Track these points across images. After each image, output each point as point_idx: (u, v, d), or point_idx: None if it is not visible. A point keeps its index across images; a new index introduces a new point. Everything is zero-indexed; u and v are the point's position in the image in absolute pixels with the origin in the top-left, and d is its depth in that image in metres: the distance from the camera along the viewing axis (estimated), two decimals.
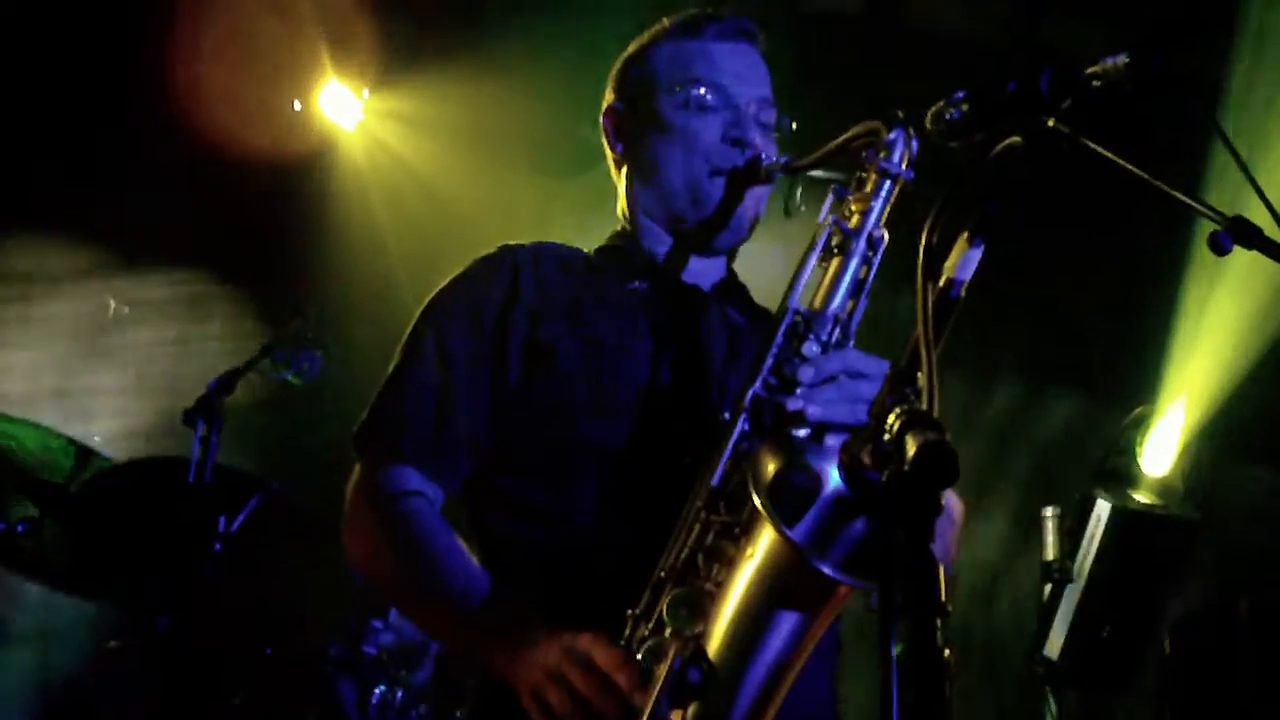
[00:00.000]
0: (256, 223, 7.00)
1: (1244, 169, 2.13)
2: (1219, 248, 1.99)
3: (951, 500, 2.45)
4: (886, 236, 2.37)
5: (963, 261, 1.83)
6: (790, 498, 1.98)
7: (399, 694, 5.23)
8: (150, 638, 4.80)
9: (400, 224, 7.13)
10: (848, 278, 2.34)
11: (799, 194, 2.79)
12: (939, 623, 1.46)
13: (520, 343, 2.55)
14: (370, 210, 7.23)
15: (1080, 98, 1.95)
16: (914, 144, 2.39)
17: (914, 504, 1.48)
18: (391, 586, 2.52)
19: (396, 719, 5.19)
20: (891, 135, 2.39)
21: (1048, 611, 5.27)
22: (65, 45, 6.50)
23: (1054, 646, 5.24)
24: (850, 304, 2.34)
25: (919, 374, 1.64)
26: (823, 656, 2.27)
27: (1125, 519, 5.31)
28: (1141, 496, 5.49)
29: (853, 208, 2.39)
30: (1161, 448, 5.64)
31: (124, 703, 4.82)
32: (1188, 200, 2.01)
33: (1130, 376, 6.25)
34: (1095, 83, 1.93)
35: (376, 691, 5.19)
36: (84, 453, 5.10)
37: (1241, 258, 2.04)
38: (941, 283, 1.81)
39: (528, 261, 2.67)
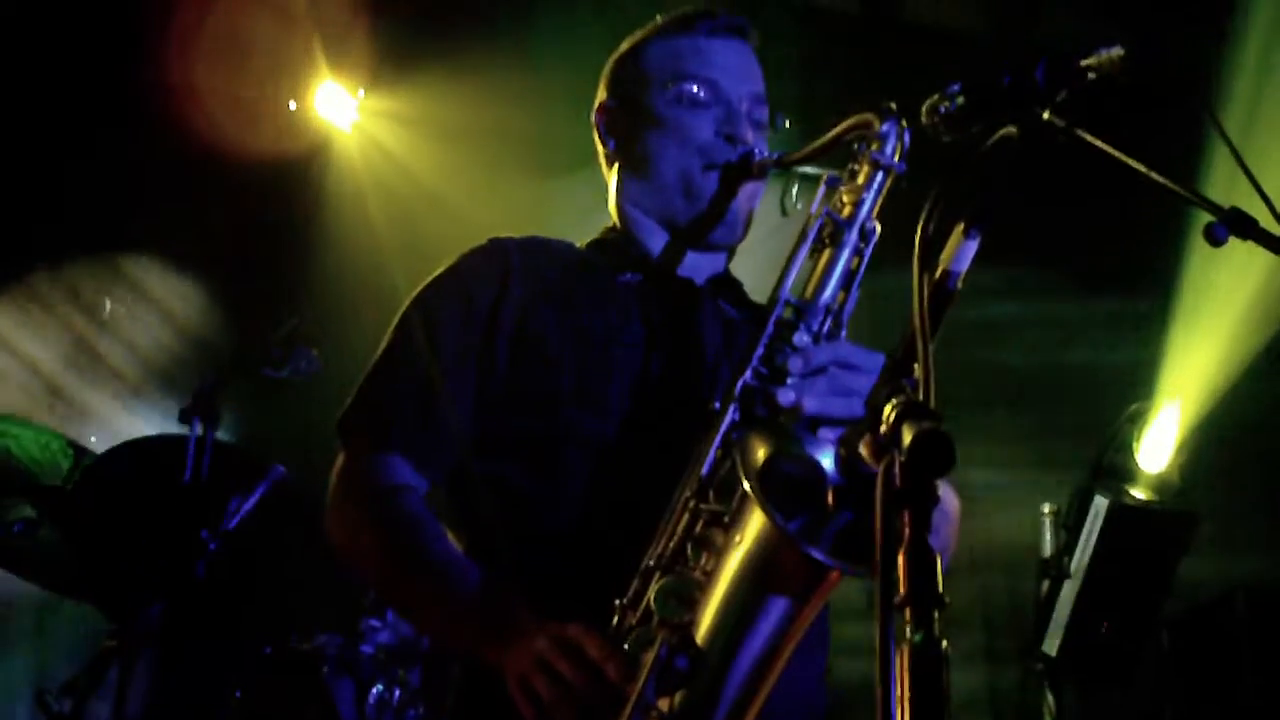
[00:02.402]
0: (252, 222, 7.00)
1: (1239, 160, 2.13)
2: (1215, 240, 1.99)
3: (948, 494, 2.45)
4: (879, 228, 2.37)
5: (959, 253, 1.83)
6: (780, 484, 1.98)
7: (396, 693, 5.23)
8: (147, 637, 4.79)
9: (396, 223, 7.13)
10: (839, 269, 2.34)
11: (795, 192, 2.79)
12: (937, 614, 1.46)
13: (509, 334, 2.55)
14: (366, 209, 7.23)
15: (1075, 90, 1.95)
16: (906, 136, 2.39)
17: (911, 492, 1.48)
18: (376, 573, 2.50)
19: (394, 718, 5.19)
20: (884, 128, 2.39)
21: (1045, 608, 5.28)
22: (62, 43, 6.49)
23: (1052, 643, 5.25)
24: (842, 295, 2.34)
25: (915, 365, 1.64)
26: (812, 643, 2.26)
27: (1122, 515, 5.32)
28: (1139, 492, 5.50)
29: (845, 199, 2.39)
30: (1158, 444, 5.65)
31: (120, 702, 4.80)
32: (1183, 192, 2.01)
33: (1127, 373, 6.26)
34: (1090, 75, 1.94)
35: (374, 691, 5.18)
36: (81, 454, 5.09)
37: (1238, 251, 2.05)
38: (938, 274, 1.81)
39: (518, 254, 2.66)
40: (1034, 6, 6.40)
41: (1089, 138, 1.96)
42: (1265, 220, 2.01)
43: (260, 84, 6.92)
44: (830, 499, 2.02)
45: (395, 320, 2.64)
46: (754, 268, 2.83)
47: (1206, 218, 2.01)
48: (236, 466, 4.98)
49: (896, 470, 1.50)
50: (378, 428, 2.55)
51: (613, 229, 2.82)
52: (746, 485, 1.96)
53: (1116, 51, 1.90)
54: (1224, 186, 2.39)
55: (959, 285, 1.84)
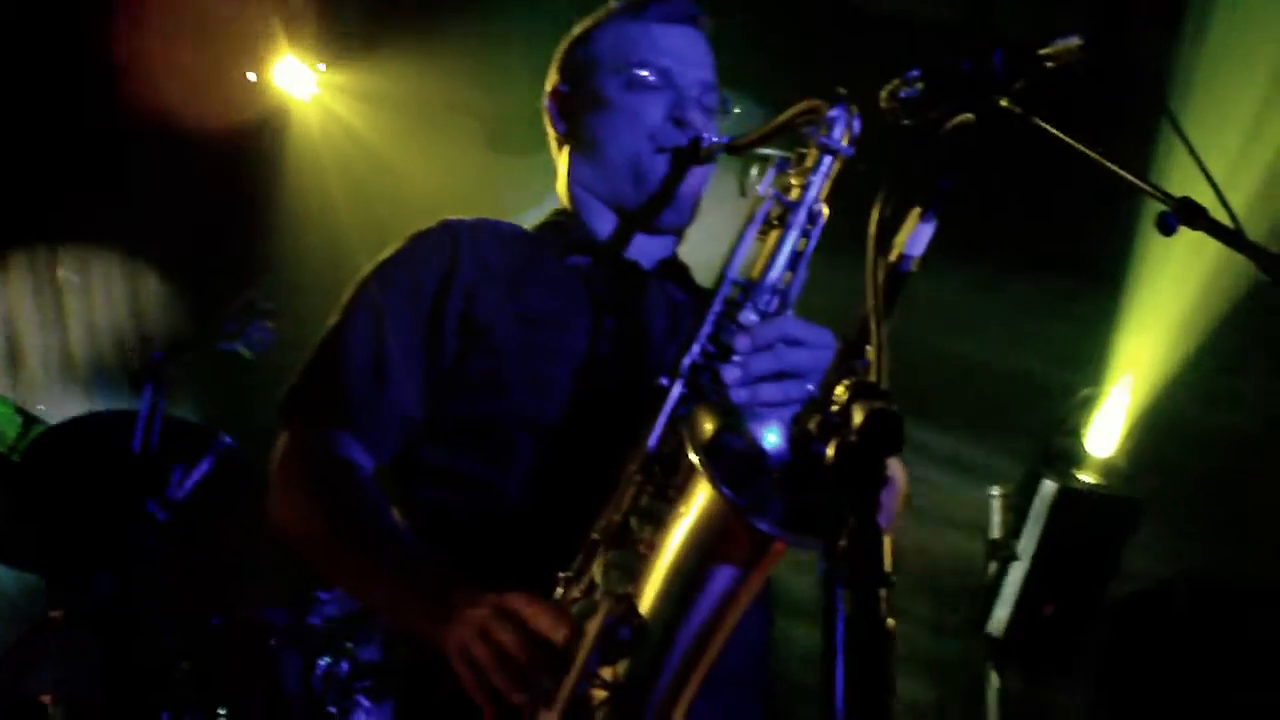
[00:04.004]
0: (209, 194, 6.97)
1: (1191, 150, 2.16)
2: (1166, 229, 2.02)
3: (895, 468, 2.48)
4: (826, 211, 2.39)
5: (914, 237, 1.84)
6: (727, 458, 2.00)
7: (344, 667, 5.22)
8: (93, 607, 4.78)
9: (354, 198, 7.11)
10: (786, 249, 2.35)
11: (754, 173, 2.80)
12: (883, 593, 1.48)
13: (457, 317, 2.55)
14: (325, 184, 7.21)
15: (1033, 78, 1.97)
16: (855, 122, 2.40)
17: (860, 472, 1.50)
18: (320, 549, 2.48)
19: (341, 692, 5.18)
20: (833, 112, 2.40)
21: (992, 589, 5.32)
22: (19, 13, 6.44)
23: (998, 624, 5.29)
24: (788, 275, 2.36)
25: (867, 347, 1.66)
26: (756, 617, 2.28)
27: (1070, 499, 5.36)
28: (1086, 477, 5.55)
29: (793, 181, 2.40)
30: (1107, 429, 5.70)
31: (66, 672, 4.79)
32: (1136, 181, 2.03)
33: (1076, 357, 6.31)
34: (1048, 64, 1.95)
35: (321, 664, 5.18)
36: (30, 422, 5.07)
37: (1187, 239, 2.07)
38: (893, 257, 1.83)
39: (466, 236, 2.67)
40: None
41: (1045, 126, 1.98)
42: (1215, 210, 2.04)
43: (220, 56, 6.89)
44: (777, 474, 2.03)
45: (343, 300, 2.64)
46: (708, 248, 2.84)
47: (1158, 207, 2.03)
48: (183, 438, 4.97)
49: (847, 449, 1.52)
50: (324, 406, 2.54)
51: (561, 212, 2.83)
52: (693, 457, 1.97)
53: (1074, 42, 1.93)
54: (1176, 176, 2.41)
55: (914, 268, 1.85)
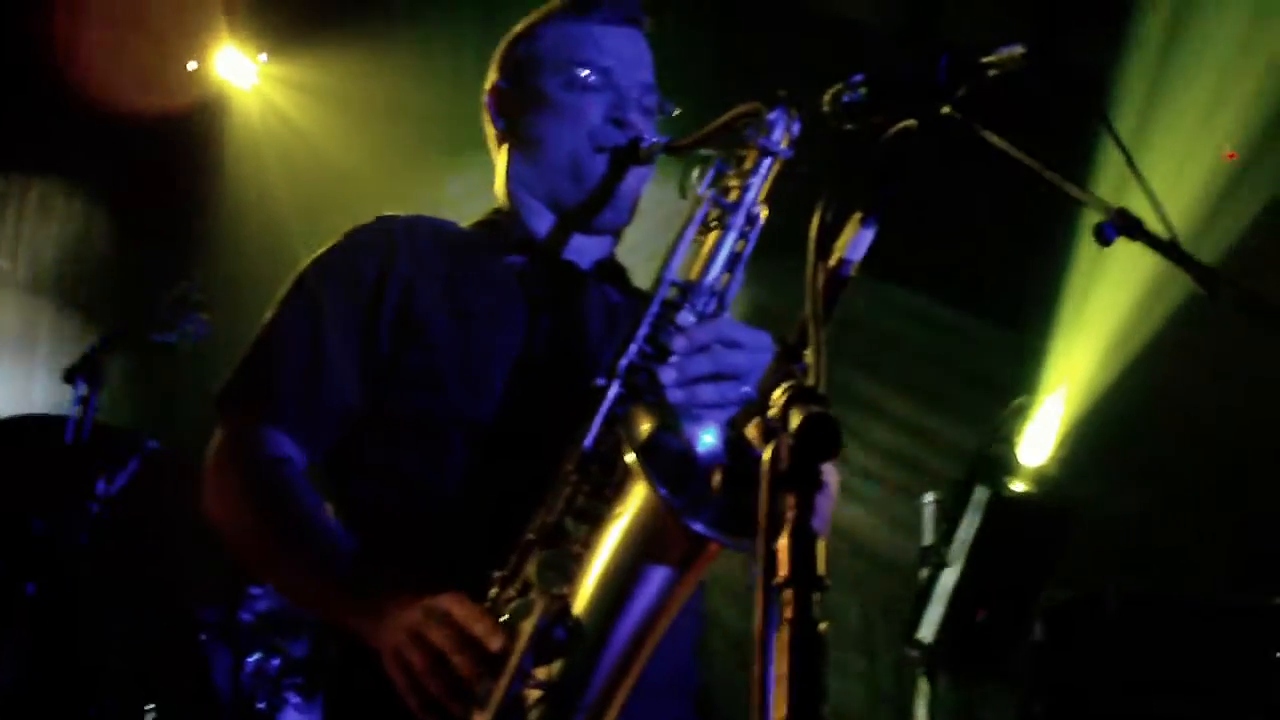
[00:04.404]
0: (146, 183, 6.91)
1: (1130, 161, 2.17)
2: (1103, 238, 2.03)
3: (828, 473, 2.48)
4: (764, 213, 2.39)
5: (854, 242, 1.85)
6: (663, 458, 2.00)
7: (274, 663, 5.19)
8: (23, 602, 4.73)
9: (293, 190, 7.07)
10: (724, 251, 2.37)
11: (695, 175, 2.80)
12: (817, 597, 1.48)
13: (393, 313, 2.54)
14: (264, 176, 7.18)
15: (975, 86, 1.98)
16: (795, 124, 2.42)
17: (796, 475, 1.50)
18: (253, 545, 2.47)
19: (271, 689, 5.15)
20: (772, 115, 2.41)
21: (924, 596, 5.35)
22: None
23: (929, 630, 5.32)
24: (726, 277, 2.37)
25: (806, 351, 1.66)
26: (686, 622, 2.28)
27: (1002, 506, 5.41)
28: (1019, 485, 5.59)
29: (732, 183, 2.41)
30: (1040, 438, 5.75)
31: None
32: (1075, 191, 2.04)
33: (1011, 367, 6.36)
34: (991, 71, 1.96)
35: (251, 660, 5.15)
36: None
37: (1124, 250, 2.09)
38: (832, 261, 1.83)
39: (403, 233, 2.65)
40: (938, 4, 6.48)
41: (986, 133, 1.99)
42: (1152, 221, 2.05)
43: (160, 44, 6.83)
44: (713, 476, 2.04)
45: (280, 295, 2.62)
46: (645, 250, 2.84)
47: (1096, 217, 2.05)
48: (109, 442, 4.93)
49: (783, 453, 1.52)
50: (259, 401, 2.52)
51: (499, 210, 2.82)
52: (629, 457, 1.97)
53: (1017, 50, 1.93)
54: (1114, 187, 2.43)
55: (853, 273, 1.86)
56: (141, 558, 5.24)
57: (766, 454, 1.54)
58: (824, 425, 1.50)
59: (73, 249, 7.19)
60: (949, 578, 5.33)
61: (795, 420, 1.50)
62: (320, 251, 2.66)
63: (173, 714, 5.03)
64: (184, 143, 7.04)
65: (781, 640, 1.46)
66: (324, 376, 2.50)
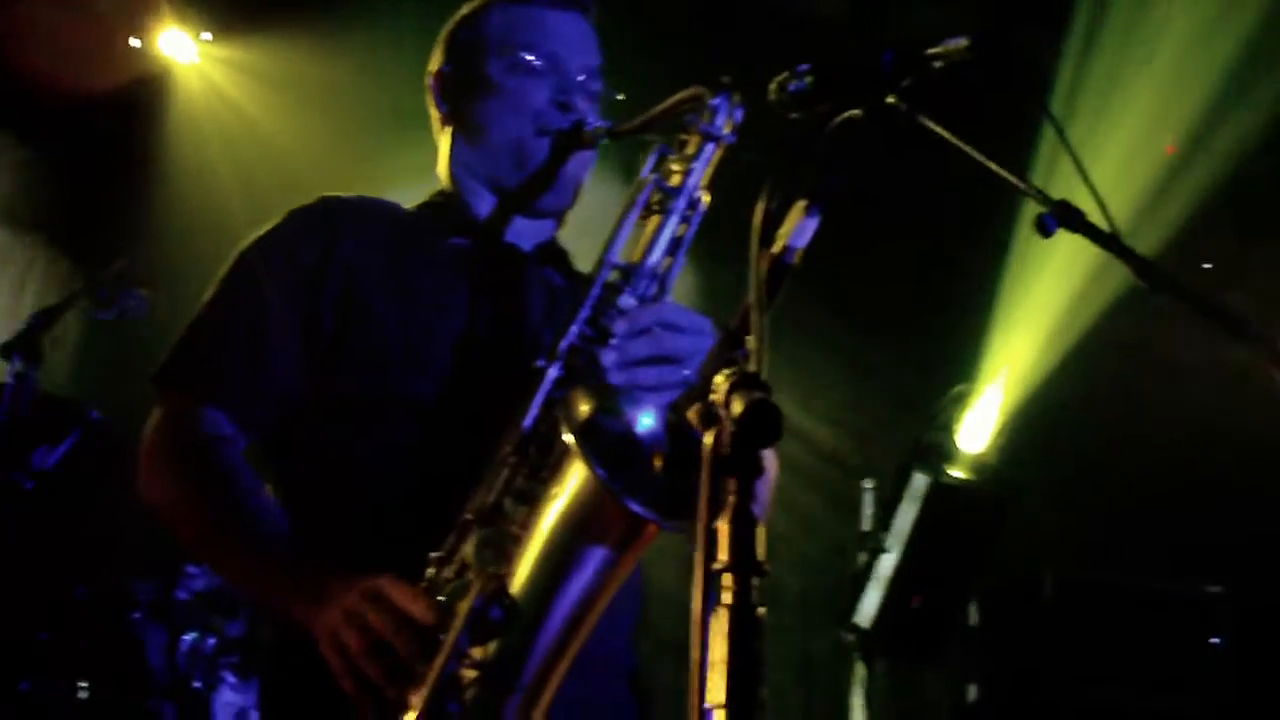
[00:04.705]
0: (86, 160, 6.85)
1: (1072, 154, 2.19)
2: (1044, 230, 2.05)
3: (768, 458, 2.49)
4: (707, 198, 2.40)
5: (798, 229, 1.86)
6: (602, 439, 2.01)
7: (210, 642, 5.17)
8: None
9: (236, 169, 7.03)
10: (666, 235, 2.37)
11: (638, 159, 2.80)
12: (755, 581, 1.49)
13: (335, 294, 2.53)
14: (206, 154, 7.12)
15: (920, 77, 1.99)
16: (738, 110, 2.42)
17: (737, 461, 1.51)
18: (190, 526, 2.45)
19: (207, 668, 5.13)
20: (715, 100, 2.42)
21: (861, 580, 5.38)
22: None
23: (866, 615, 5.36)
24: (668, 260, 2.37)
25: (748, 337, 1.67)
26: (624, 603, 2.29)
27: (940, 493, 5.45)
28: (957, 472, 5.64)
29: (674, 168, 2.42)
30: (979, 426, 5.80)
31: None
32: (1017, 182, 2.06)
33: (952, 355, 6.40)
34: (936, 63, 1.98)
35: (186, 639, 5.12)
36: None
37: (1065, 242, 2.10)
38: (776, 248, 1.84)
39: (346, 213, 2.64)
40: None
41: (929, 124, 2.00)
42: (1093, 213, 2.07)
43: (102, 20, 6.76)
44: (653, 459, 2.05)
45: (220, 274, 2.60)
46: (596, 237, 2.84)
47: (1037, 208, 2.06)
48: (51, 411, 4.89)
49: (725, 438, 1.53)
50: (198, 380, 2.51)
51: (442, 192, 2.81)
52: (568, 438, 1.98)
53: (962, 43, 1.95)
54: (1059, 180, 2.45)
55: (797, 260, 1.87)
56: (77, 532, 5.20)
57: (708, 438, 1.55)
58: (767, 412, 1.51)
59: (11, 225, 7.11)
60: (887, 563, 5.36)
61: (737, 406, 1.51)
62: (261, 230, 2.64)
63: (106, 692, 5.00)
64: (125, 121, 6.97)
65: (720, 624, 1.47)
66: (263, 356, 2.49)
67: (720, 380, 1.57)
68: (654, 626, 2.78)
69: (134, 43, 6.96)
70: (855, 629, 5.36)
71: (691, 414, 1.62)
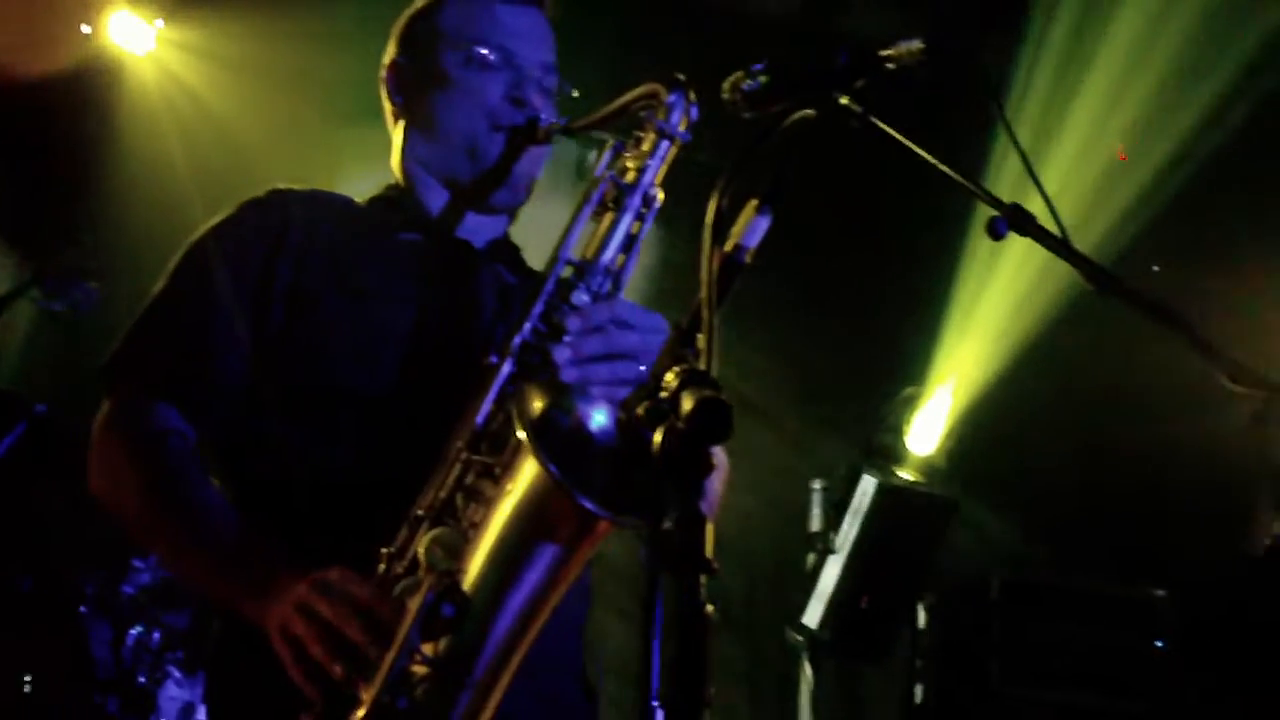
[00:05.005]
0: (36, 149, 6.79)
1: (1024, 158, 2.21)
2: (996, 233, 2.06)
3: (719, 456, 2.50)
4: (661, 195, 2.40)
5: (750, 228, 1.86)
6: (554, 435, 2.01)
7: (156, 636, 5.14)
8: None
9: (189, 158, 6.96)
10: (621, 231, 2.37)
11: (592, 156, 2.80)
12: (703, 580, 1.49)
13: (284, 288, 2.52)
14: (159, 143, 7.05)
15: (874, 78, 2.00)
16: (693, 108, 2.42)
17: (687, 458, 1.51)
18: (138, 520, 2.45)
19: (153, 662, 5.10)
20: (671, 98, 2.42)
21: (810, 581, 5.40)
22: None
23: (813, 616, 5.37)
24: (621, 257, 2.37)
25: (699, 335, 1.67)
26: (574, 603, 2.29)
27: (889, 495, 5.47)
28: (906, 474, 5.67)
29: (629, 165, 2.42)
30: (928, 428, 5.83)
31: None
32: (969, 185, 2.07)
33: (902, 357, 6.42)
34: (889, 65, 1.99)
35: (132, 633, 5.09)
36: None
37: (1016, 245, 2.12)
38: (728, 247, 1.84)
39: (297, 207, 2.64)
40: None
41: (882, 125, 2.01)
42: (1044, 218, 2.08)
43: (50, 4, 6.70)
44: (604, 456, 2.05)
45: (170, 266, 2.59)
46: (544, 231, 2.84)
47: (989, 211, 2.07)
48: None
49: (674, 436, 1.53)
50: (147, 373, 2.50)
51: (394, 186, 2.80)
52: (520, 434, 1.98)
53: (916, 45, 1.96)
54: (1009, 183, 2.47)
55: (748, 259, 1.87)
56: (23, 525, 5.17)
57: (658, 436, 1.55)
58: (717, 409, 1.51)
59: None
60: (835, 564, 5.38)
61: (688, 404, 1.51)
62: (211, 223, 2.63)
63: (51, 686, 4.97)
64: (76, 108, 6.91)
65: (669, 624, 1.47)
66: (213, 349, 2.48)
67: (670, 377, 1.57)
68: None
69: (84, 29, 6.89)
70: (803, 629, 5.38)
71: (642, 410, 1.62)
